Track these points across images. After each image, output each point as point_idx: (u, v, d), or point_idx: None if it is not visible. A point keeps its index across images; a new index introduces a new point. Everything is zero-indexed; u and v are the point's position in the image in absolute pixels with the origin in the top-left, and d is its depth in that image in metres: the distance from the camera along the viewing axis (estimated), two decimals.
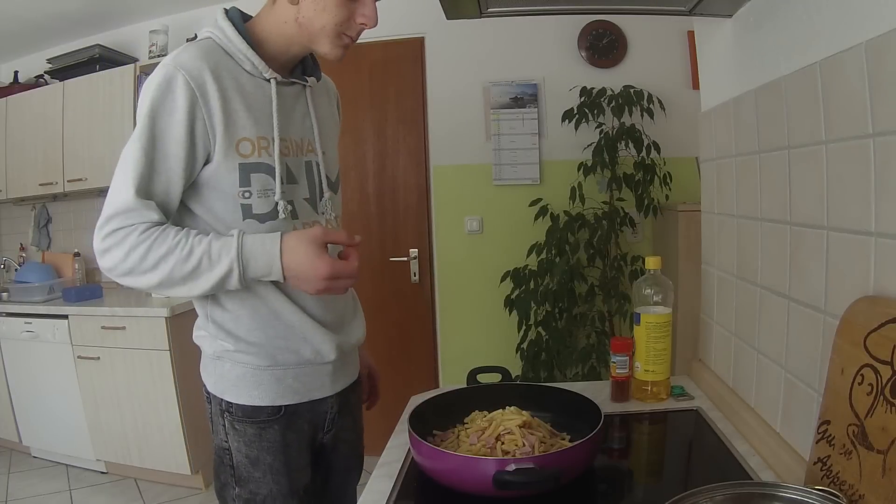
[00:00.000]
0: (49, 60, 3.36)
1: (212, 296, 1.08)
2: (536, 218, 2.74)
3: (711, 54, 1.36)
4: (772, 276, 1.06)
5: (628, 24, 2.88)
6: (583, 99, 2.65)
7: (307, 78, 1.16)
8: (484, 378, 1.29)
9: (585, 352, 2.61)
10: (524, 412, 1.08)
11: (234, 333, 1.09)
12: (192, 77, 0.98)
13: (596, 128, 2.68)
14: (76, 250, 3.56)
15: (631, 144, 2.59)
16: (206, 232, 1.02)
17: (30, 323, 3.06)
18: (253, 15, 1.12)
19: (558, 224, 2.68)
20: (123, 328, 2.83)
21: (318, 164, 1.16)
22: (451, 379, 3.09)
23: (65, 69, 3.31)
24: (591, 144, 2.67)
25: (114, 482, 3.01)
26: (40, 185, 3.36)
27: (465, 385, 1.28)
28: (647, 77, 2.78)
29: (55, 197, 3.64)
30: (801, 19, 0.93)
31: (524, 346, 2.70)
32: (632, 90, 2.59)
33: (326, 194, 1.17)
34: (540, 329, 2.70)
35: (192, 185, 1.04)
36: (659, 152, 2.60)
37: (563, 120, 2.68)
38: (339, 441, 1.24)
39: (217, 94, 1.00)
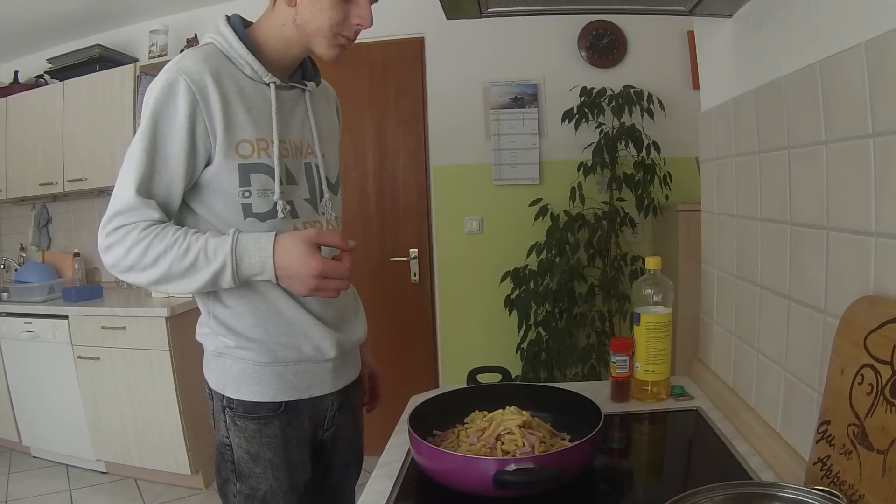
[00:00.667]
0: (49, 60, 3.36)
1: (214, 293, 1.10)
2: (536, 218, 2.74)
3: (711, 54, 1.36)
4: (772, 276, 1.06)
5: (628, 24, 2.88)
6: (583, 99, 2.65)
7: (306, 83, 1.18)
8: (484, 378, 1.29)
9: (585, 352, 2.61)
10: (524, 412, 1.08)
11: (236, 330, 1.10)
12: (194, 81, 1.01)
13: (596, 128, 2.68)
14: (76, 250, 3.56)
15: (631, 144, 2.59)
16: (208, 231, 1.04)
17: (30, 323, 3.06)
18: (253, 21, 1.14)
19: (558, 224, 2.68)
20: (123, 328, 2.83)
21: (317, 166, 1.18)
22: (451, 379, 3.10)
23: (65, 69, 3.31)
24: (591, 144, 2.67)
25: (114, 482, 3.01)
26: (40, 185, 3.36)
27: (465, 385, 1.28)
28: (647, 77, 2.78)
29: (55, 197, 3.64)
30: (801, 19, 0.93)
31: (524, 346, 2.70)
32: (632, 90, 2.59)
33: (326, 195, 1.19)
34: (540, 329, 2.70)
35: (193, 186, 1.06)
36: (659, 152, 2.60)
37: (563, 120, 2.68)
38: (338, 438, 1.25)
39: (218, 98, 1.02)
